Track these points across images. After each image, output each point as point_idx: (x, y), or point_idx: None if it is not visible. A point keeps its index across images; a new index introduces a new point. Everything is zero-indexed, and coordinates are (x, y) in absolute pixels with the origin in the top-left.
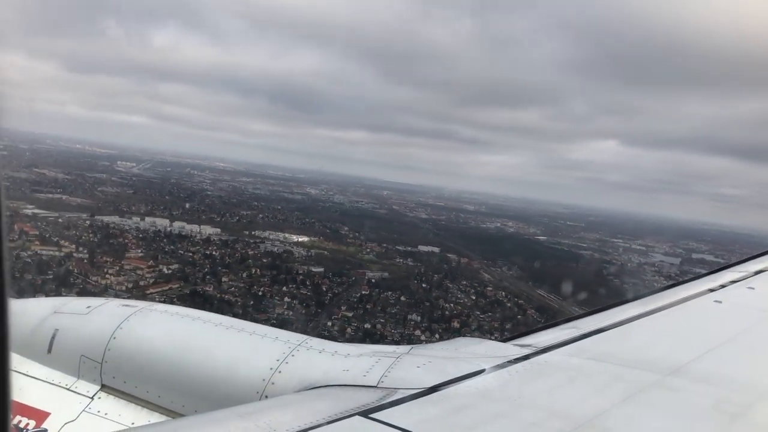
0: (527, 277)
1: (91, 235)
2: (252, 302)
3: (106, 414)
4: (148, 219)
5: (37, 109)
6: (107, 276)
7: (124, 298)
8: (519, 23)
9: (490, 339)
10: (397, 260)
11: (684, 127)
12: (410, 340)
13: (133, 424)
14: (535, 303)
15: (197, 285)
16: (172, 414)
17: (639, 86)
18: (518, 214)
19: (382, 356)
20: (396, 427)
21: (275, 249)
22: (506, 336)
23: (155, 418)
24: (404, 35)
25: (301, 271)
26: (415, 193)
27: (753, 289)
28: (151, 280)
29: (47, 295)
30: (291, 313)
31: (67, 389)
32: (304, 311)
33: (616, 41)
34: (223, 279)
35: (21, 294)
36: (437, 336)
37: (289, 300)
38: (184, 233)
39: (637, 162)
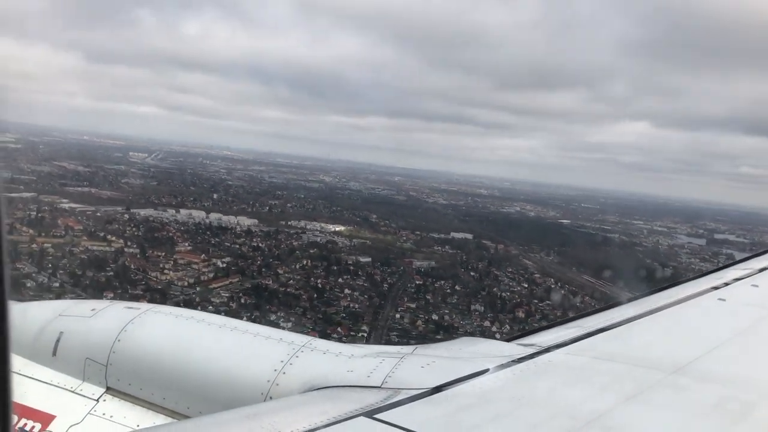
0: (568, 263)
1: (134, 229)
2: (315, 295)
3: (111, 416)
4: (183, 211)
5: (44, 102)
6: (166, 272)
7: (188, 294)
8: (574, 3)
9: (493, 339)
10: (435, 248)
11: (723, 106)
12: (482, 332)
13: (138, 426)
14: (587, 289)
15: (255, 279)
16: (178, 416)
17: (689, 66)
18: (531, 197)
19: (386, 357)
20: (400, 427)
21: (318, 239)
22: (512, 335)
23: (160, 419)
24: (451, 18)
25: (350, 262)
26: (426, 178)
27: (757, 287)
28: (210, 275)
29: (114, 293)
30: (357, 305)
31: (72, 392)
32: (368, 303)
33: (674, 20)
34: (278, 271)
35: (89, 292)
36: (507, 326)
37: (349, 292)
38: (223, 225)
39: (661, 143)
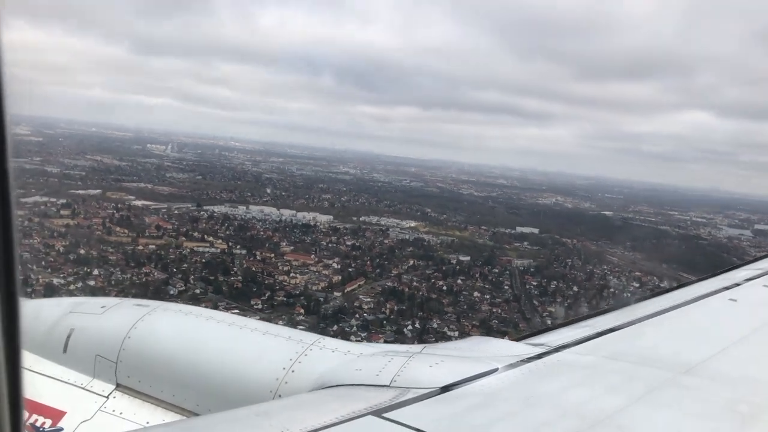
0: (653, 259)
1: (222, 228)
2: (449, 298)
3: (121, 413)
4: (252, 207)
5: (54, 93)
6: (293, 275)
7: (332, 299)
8: None
9: (503, 338)
10: (515, 244)
11: None
12: None
13: (147, 423)
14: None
15: (378, 280)
16: (187, 413)
17: None
18: (552, 187)
19: (395, 356)
20: (409, 426)
21: (405, 236)
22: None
23: (170, 417)
24: (553, 5)
25: (453, 261)
26: (438, 168)
27: None
28: (336, 278)
29: (260, 300)
30: (499, 310)
31: (83, 388)
32: (506, 307)
33: None
34: (395, 272)
35: (238, 300)
36: None
37: (479, 294)
38: (303, 222)
39: (701, 133)
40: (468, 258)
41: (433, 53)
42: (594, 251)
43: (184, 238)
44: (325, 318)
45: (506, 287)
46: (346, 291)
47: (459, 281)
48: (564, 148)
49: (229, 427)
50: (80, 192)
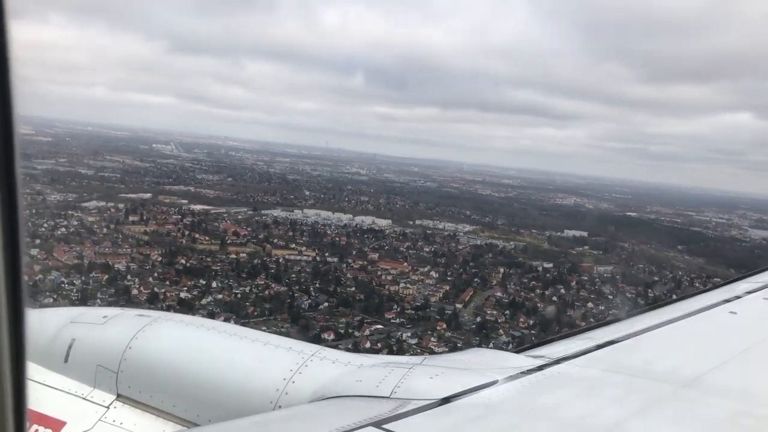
0: (716, 264)
1: (296, 233)
2: (570, 310)
3: (121, 423)
4: (306, 211)
5: (50, 93)
6: (403, 285)
7: (457, 312)
8: None
9: (504, 350)
10: (578, 249)
11: None
12: None
13: None
14: None
15: (484, 290)
16: (187, 423)
17: None
18: (558, 187)
19: (395, 367)
20: None
21: (477, 242)
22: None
23: (170, 427)
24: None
25: (539, 268)
26: (437, 168)
27: None
28: (446, 289)
29: (395, 313)
30: None
31: (83, 398)
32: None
33: None
34: (492, 281)
35: (369, 313)
36: None
37: (593, 306)
38: (368, 227)
39: (727, 134)
40: (551, 265)
41: (481, 53)
42: (656, 256)
43: (269, 245)
44: (473, 334)
45: (610, 296)
46: (465, 302)
47: (561, 290)
48: (563, 149)
49: None
50: (131, 196)
